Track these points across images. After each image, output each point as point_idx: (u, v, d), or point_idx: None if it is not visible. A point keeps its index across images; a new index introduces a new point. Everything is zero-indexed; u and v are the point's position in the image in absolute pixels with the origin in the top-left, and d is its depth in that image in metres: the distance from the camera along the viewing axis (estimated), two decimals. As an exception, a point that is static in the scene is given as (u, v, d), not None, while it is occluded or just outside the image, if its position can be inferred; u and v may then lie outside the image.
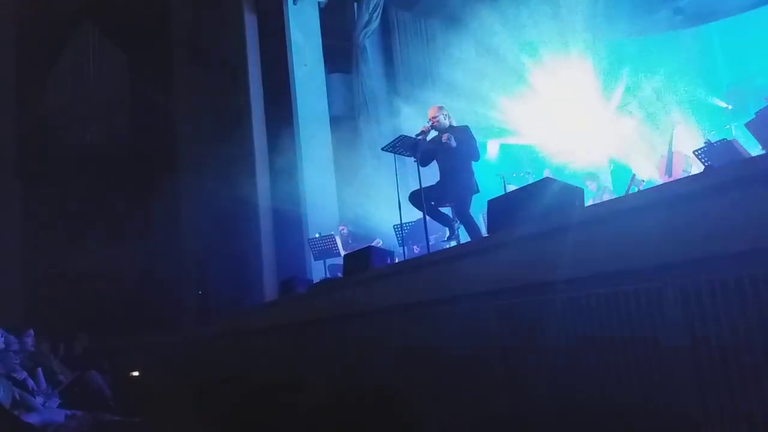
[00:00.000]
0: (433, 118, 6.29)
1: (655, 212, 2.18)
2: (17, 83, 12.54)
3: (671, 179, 7.10)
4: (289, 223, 9.87)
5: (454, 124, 6.35)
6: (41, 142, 12.31)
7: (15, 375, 7.05)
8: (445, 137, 6.14)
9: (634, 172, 8.34)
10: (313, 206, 9.82)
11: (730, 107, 9.07)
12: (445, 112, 6.35)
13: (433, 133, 6.34)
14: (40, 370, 7.69)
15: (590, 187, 8.65)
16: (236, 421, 4.92)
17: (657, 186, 3.00)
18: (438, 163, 6.42)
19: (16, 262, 11.70)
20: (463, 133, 6.19)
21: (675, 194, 2.15)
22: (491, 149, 10.78)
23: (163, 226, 11.13)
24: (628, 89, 11.02)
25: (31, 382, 7.26)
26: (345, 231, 9.21)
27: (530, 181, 8.32)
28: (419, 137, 6.22)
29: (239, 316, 8.07)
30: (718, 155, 5.82)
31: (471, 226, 6.04)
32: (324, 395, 3.98)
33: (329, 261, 8.73)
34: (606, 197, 8.32)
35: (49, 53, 12.60)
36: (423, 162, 6.33)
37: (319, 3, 10.63)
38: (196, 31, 11.76)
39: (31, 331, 8.35)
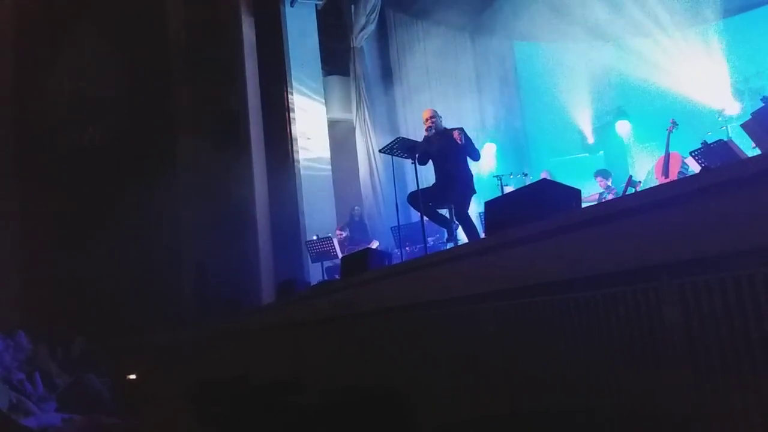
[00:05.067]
0: (431, 118, 6.33)
1: (652, 213, 2.19)
2: (15, 83, 12.52)
3: (668, 180, 7.12)
4: (286, 225, 9.88)
5: (447, 126, 6.40)
6: (39, 142, 12.30)
7: (12, 377, 7.05)
8: (456, 134, 6.16)
9: (630, 173, 8.37)
10: (311, 208, 9.82)
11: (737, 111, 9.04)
12: (438, 115, 6.41)
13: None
14: (37, 373, 7.69)
15: (600, 184, 8.63)
16: (234, 422, 4.92)
17: (653, 187, 3.01)
18: (434, 165, 6.44)
19: (14, 264, 11.67)
20: (457, 132, 6.21)
21: (671, 195, 2.16)
22: (488, 151, 10.79)
23: (161, 227, 11.12)
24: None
25: (28, 386, 7.25)
26: (342, 233, 9.22)
27: (527, 183, 8.35)
28: (426, 134, 6.30)
29: (237, 317, 8.07)
30: (715, 156, 5.84)
31: (469, 228, 6.06)
32: (322, 396, 3.98)
33: (327, 263, 8.73)
34: (611, 197, 8.35)
35: (47, 53, 12.59)
36: (421, 160, 6.37)
37: (316, 5, 10.64)
38: (194, 33, 11.75)
39: (22, 333, 8.34)
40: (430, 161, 6.49)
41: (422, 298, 3.74)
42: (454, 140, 6.16)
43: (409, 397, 3.65)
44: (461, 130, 6.28)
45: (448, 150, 6.21)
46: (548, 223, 2.70)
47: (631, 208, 2.33)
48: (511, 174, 8.96)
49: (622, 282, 2.31)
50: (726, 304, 1.94)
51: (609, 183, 8.71)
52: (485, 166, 10.30)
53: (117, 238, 11.04)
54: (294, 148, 9.96)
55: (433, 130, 6.33)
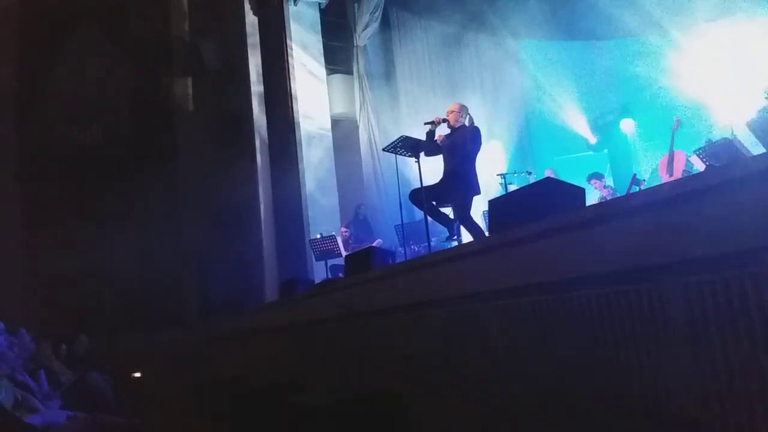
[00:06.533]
0: (451, 112, 6.27)
1: (656, 211, 2.18)
2: (17, 83, 12.53)
3: (672, 178, 7.11)
4: (290, 223, 9.87)
5: (466, 123, 6.30)
6: (41, 143, 12.31)
7: (17, 375, 7.06)
8: (439, 138, 6.19)
9: (634, 171, 8.37)
10: (314, 207, 9.82)
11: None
12: (465, 112, 6.31)
13: (443, 128, 6.34)
14: (42, 371, 7.70)
15: (595, 186, 8.66)
16: (237, 421, 4.92)
17: (658, 185, 3.00)
18: (443, 161, 6.41)
19: (17, 263, 11.69)
20: (468, 132, 6.17)
21: (676, 193, 2.14)
22: (493, 149, 10.77)
23: (163, 226, 11.13)
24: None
25: (32, 383, 7.26)
26: (347, 232, 9.21)
27: (531, 181, 8.33)
28: (428, 125, 6.24)
29: (240, 316, 8.07)
30: (719, 154, 5.81)
31: (473, 228, 6.01)
32: (325, 396, 3.98)
33: (331, 262, 8.73)
34: (608, 197, 8.37)
35: (48, 53, 12.60)
36: (428, 153, 6.34)
37: (319, 4, 10.63)
38: (197, 32, 11.76)
39: (23, 330, 8.35)
40: (432, 156, 6.45)
41: (426, 297, 3.73)
42: (461, 138, 6.13)
43: (413, 397, 3.64)
44: (474, 128, 6.23)
45: (454, 148, 6.18)
46: (552, 221, 2.69)
47: (636, 206, 2.32)
48: (515, 172, 8.95)
49: (625, 281, 2.29)
50: (729, 303, 1.92)
51: (605, 183, 8.77)
52: (495, 165, 10.25)
53: (119, 238, 11.05)
54: (297, 146, 9.96)
55: (447, 126, 6.28)
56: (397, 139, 6.39)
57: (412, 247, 8.49)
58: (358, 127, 11.06)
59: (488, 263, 3.14)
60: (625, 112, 11.31)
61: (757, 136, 5.53)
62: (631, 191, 7.44)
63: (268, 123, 10.43)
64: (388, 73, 11.63)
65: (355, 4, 10.88)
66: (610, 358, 2.36)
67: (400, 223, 7.67)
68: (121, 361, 9.19)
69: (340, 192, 10.27)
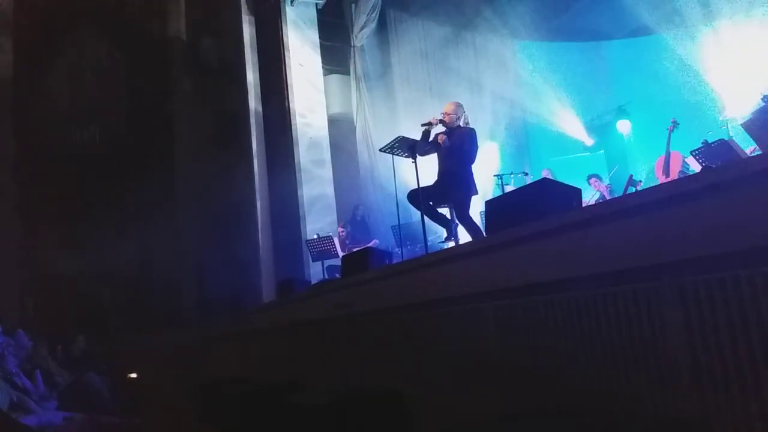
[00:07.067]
0: (447, 114, 6.26)
1: (653, 212, 2.19)
2: (16, 83, 12.52)
3: (668, 179, 7.12)
4: (287, 224, 9.87)
5: (462, 124, 6.31)
6: (40, 142, 12.30)
7: (14, 376, 7.06)
8: (441, 138, 6.16)
9: (631, 172, 8.39)
10: (311, 207, 9.82)
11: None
12: (461, 112, 6.30)
13: (440, 128, 6.32)
14: (38, 372, 7.69)
15: (594, 186, 8.69)
16: (236, 421, 4.92)
17: (654, 186, 3.01)
18: (438, 161, 6.40)
19: (15, 264, 11.67)
20: (466, 135, 6.16)
21: (672, 194, 2.16)
22: (491, 150, 10.78)
23: (161, 227, 11.13)
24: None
25: (29, 384, 7.26)
26: (343, 232, 9.21)
27: (528, 182, 8.35)
28: (426, 126, 6.22)
29: (238, 317, 8.06)
30: (716, 155, 5.83)
31: (472, 228, 6.02)
32: (323, 396, 3.98)
33: (327, 262, 8.72)
34: (607, 193, 8.40)
35: (47, 54, 12.60)
36: (423, 153, 6.31)
37: (316, 4, 10.64)
38: (194, 32, 11.77)
39: (21, 331, 8.35)
40: (426, 156, 6.43)
41: (423, 298, 3.73)
42: (459, 140, 6.13)
43: (410, 397, 3.65)
44: (471, 130, 6.23)
45: (452, 149, 6.16)
46: (549, 222, 2.71)
47: (632, 207, 2.33)
48: (511, 173, 8.95)
49: (622, 281, 2.31)
50: (726, 303, 1.94)
51: (601, 182, 8.80)
52: (492, 165, 10.26)
53: (117, 238, 11.05)
54: (294, 146, 9.96)
55: (443, 125, 6.27)
56: (394, 140, 6.38)
57: (409, 247, 8.49)
58: (355, 127, 11.06)
59: (485, 263, 3.15)
60: (622, 113, 11.32)
61: (754, 137, 5.55)
62: (627, 192, 7.46)
63: (265, 123, 10.44)
64: (385, 73, 11.63)
65: (352, 5, 10.87)
66: (607, 357, 2.37)
67: (397, 223, 7.67)
68: (120, 361, 9.19)
69: (337, 192, 10.27)
